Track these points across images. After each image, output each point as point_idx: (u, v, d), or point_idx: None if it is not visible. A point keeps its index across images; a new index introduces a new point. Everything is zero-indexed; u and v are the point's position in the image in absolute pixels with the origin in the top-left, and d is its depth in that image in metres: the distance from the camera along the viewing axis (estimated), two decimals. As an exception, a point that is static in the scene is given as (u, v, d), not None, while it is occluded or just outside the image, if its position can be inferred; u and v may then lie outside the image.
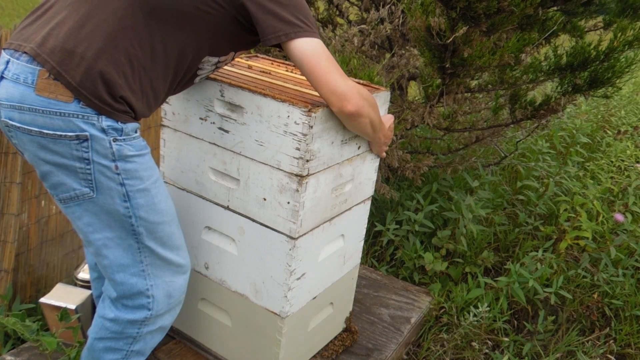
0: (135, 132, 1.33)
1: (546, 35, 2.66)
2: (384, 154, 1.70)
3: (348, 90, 1.34)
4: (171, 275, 1.46)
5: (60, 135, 1.24)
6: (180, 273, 1.49)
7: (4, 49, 1.29)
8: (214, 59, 1.42)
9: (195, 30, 1.32)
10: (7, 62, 1.25)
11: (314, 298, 1.72)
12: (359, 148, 1.64)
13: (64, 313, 1.59)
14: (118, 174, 1.30)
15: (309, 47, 1.31)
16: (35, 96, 1.22)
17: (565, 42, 2.82)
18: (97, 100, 1.24)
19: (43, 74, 1.21)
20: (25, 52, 1.23)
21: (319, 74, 1.32)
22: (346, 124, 1.46)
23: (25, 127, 1.25)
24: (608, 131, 4.15)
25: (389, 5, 2.56)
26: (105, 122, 1.26)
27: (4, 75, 1.25)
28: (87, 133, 1.25)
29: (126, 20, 1.25)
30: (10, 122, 1.26)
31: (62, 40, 1.22)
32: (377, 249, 2.75)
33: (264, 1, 1.29)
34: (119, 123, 1.28)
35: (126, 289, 1.42)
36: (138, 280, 1.41)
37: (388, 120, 1.64)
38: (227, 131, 1.53)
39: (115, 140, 1.27)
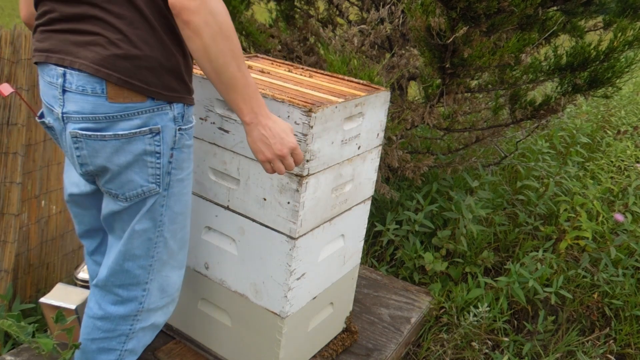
0: (192, 116, 1.36)
1: (546, 35, 2.66)
2: (268, 169, 1.32)
3: None
4: (169, 270, 1.46)
5: (135, 133, 1.24)
6: (177, 269, 1.49)
7: (44, 62, 1.26)
8: None
9: None
10: (64, 75, 1.22)
11: (314, 298, 1.72)
12: (359, 148, 1.64)
13: (59, 315, 1.58)
14: (170, 162, 1.32)
15: None
16: (110, 104, 1.21)
17: (565, 42, 2.82)
18: (166, 92, 1.26)
19: (110, 82, 1.20)
20: (79, 69, 1.20)
21: None
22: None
23: (99, 133, 1.23)
24: (608, 131, 4.15)
25: (389, 5, 2.56)
26: (176, 109, 1.28)
27: (67, 88, 1.22)
28: (159, 126, 1.26)
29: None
30: (83, 132, 1.23)
31: (112, 49, 1.20)
32: (377, 249, 2.75)
33: None
34: (186, 106, 1.31)
35: (128, 278, 1.41)
36: (142, 272, 1.41)
37: (282, 135, 1.28)
38: (227, 131, 1.53)
39: (180, 129, 1.30)
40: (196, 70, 1.57)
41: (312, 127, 1.39)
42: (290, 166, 1.31)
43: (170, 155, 1.31)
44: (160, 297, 1.47)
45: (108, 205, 1.38)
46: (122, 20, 1.19)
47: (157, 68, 1.23)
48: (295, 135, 1.41)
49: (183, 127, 1.31)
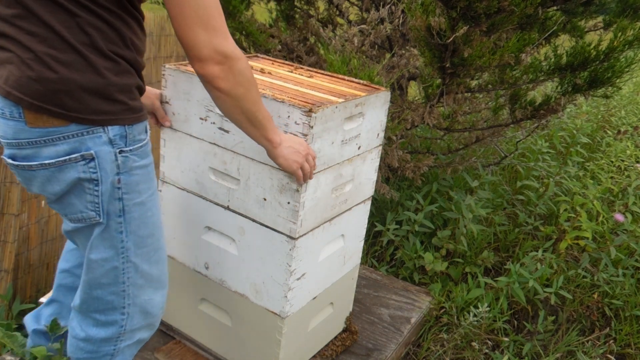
0: (145, 132, 1.26)
1: (546, 35, 2.65)
2: (300, 176, 1.39)
3: (210, 52, 1.13)
4: (151, 293, 1.39)
5: (65, 161, 1.16)
6: (159, 288, 1.42)
7: None
8: None
9: None
10: None
11: (314, 298, 1.72)
12: (359, 148, 1.64)
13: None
14: (119, 188, 1.23)
15: None
16: (30, 129, 1.12)
17: (565, 42, 2.82)
18: (92, 115, 1.15)
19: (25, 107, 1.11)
20: None
21: (183, 26, 1.12)
22: (212, 99, 1.24)
23: (26, 164, 1.16)
24: (608, 131, 4.15)
25: (389, 5, 2.56)
26: (112, 132, 1.18)
27: None
28: (91, 151, 1.16)
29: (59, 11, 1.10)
30: (11, 161, 1.17)
31: (23, 69, 1.10)
32: (377, 249, 2.75)
33: None
34: (126, 127, 1.19)
35: (101, 304, 1.35)
36: (116, 297, 1.34)
37: (298, 140, 1.38)
38: (227, 131, 1.53)
39: (121, 151, 1.20)
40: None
41: (312, 127, 1.39)
42: (311, 163, 1.39)
43: (117, 180, 1.21)
44: (143, 318, 1.41)
45: (64, 222, 1.31)
46: (34, 37, 1.09)
47: (77, 91, 1.12)
48: (295, 135, 1.41)
49: (126, 149, 1.20)
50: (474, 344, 2.06)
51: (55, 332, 1.53)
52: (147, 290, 1.38)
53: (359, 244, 1.89)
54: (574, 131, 3.69)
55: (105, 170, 1.19)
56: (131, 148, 1.22)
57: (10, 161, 1.18)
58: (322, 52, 2.76)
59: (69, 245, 1.59)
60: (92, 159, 1.17)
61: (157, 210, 1.34)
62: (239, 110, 1.23)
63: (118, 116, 1.18)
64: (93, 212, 1.23)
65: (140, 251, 1.32)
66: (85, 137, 1.15)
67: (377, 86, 1.72)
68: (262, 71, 1.71)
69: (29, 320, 1.62)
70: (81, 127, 1.14)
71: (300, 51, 2.75)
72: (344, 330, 2.00)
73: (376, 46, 2.74)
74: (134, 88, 1.22)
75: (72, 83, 1.11)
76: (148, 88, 1.63)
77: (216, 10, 1.12)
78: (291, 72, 1.77)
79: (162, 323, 1.90)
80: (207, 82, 1.17)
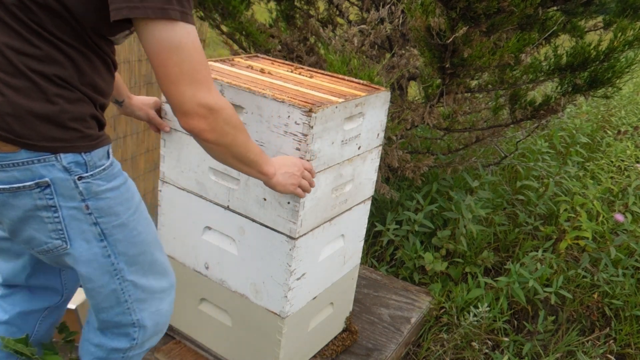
0: (107, 157, 1.21)
1: (546, 35, 2.65)
2: (300, 193, 1.42)
3: (194, 107, 1.11)
4: (157, 304, 1.38)
5: (19, 188, 1.11)
6: (165, 296, 1.40)
7: None
8: None
9: None
10: None
11: (314, 298, 1.72)
12: (359, 148, 1.64)
13: (62, 326, 1.58)
14: (90, 213, 1.18)
15: (167, 37, 1.06)
16: None
17: (565, 42, 2.81)
18: (43, 142, 1.10)
19: None
20: None
21: (167, 81, 1.10)
22: (203, 148, 1.24)
23: None
24: (608, 131, 4.15)
25: (389, 5, 2.56)
26: (66, 160, 1.13)
27: None
28: (46, 179, 1.12)
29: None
30: None
31: None
32: (377, 249, 2.75)
33: None
34: (83, 155, 1.14)
35: (111, 324, 1.35)
36: (123, 317, 1.33)
37: (291, 162, 1.39)
38: (227, 131, 1.53)
39: (80, 178, 1.15)
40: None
41: (312, 127, 1.39)
42: (308, 177, 1.41)
43: (85, 207, 1.17)
44: (155, 329, 1.40)
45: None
46: None
47: (27, 116, 1.08)
48: (295, 135, 1.41)
49: (86, 175, 1.15)
50: (474, 344, 2.06)
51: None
52: (152, 302, 1.37)
53: (359, 244, 1.89)
54: (574, 131, 3.70)
55: (63, 196, 1.15)
56: (92, 173, 1.17)
57: None
58: (322, 52, 2.76)
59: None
60: (48, 186, 1.13)
61: (144, 226, 1.30)
62: (230, 156, 1.23)
63: (71, 143, 1.14)
64: (58, 240, 1.19)
65: (134, 268, 1.30)
66: (37, 165, 1.11)
67: (377, 86, 1.72)
68: (262, 71, 1.71)
69: None
70: (32, 154, 1.10)
71: (300, 51, 2.75)
72: (344, 330, 2.00)
73: (376, 46, 2.74)
74: (88, 117, 1.17)
75: (21, 108, 1.08)
76: (141, 98, 1.63)
77: (200, 63, 1.10)
78: (291, 72, 1.77)
79: (162, 323, 1.90)
80: (195, 135, 1.16)
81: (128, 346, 1.38)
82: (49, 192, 1.13)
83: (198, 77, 1.09)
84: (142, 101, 1.61)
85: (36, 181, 1.12)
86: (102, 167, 1.19)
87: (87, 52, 1.15)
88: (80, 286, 1.42)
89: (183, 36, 1.06)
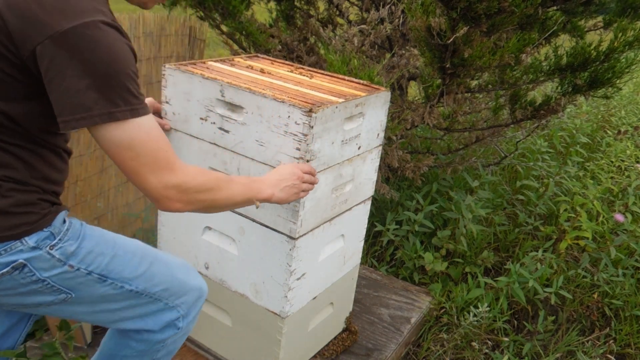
0: (64, 221, 1.21)
1: (546, 35, 2.65)
2: (304, 196, 1.45)
3: (162, 192, 1.13)
4: (195, 300, 1.39)
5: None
6: (199, 296, 1.41)
7: None
8: None
9: None
10: None
11: (314, 298, 1.72)
12: (359, 148, 1.64)
13: (63, 323, 1.57)
14: (77, 269, 1.19)
15: (115, 140, 1.07)
16: None
17: (565, 42, 2.81)
18: (6, 232, 1.12)
19: None
20: None
21: (131, 174, 1.12)
22: None
23: None
24: (608, 131, 4.15)
25: (389, 5, 2.56)
26: (31, 240, 1.14)
27: None
28: (19, 260, 1.13)
29: None
30: None
31: None
32: (377, 249, 2.75)
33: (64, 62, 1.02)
34: (45, 229, 1.16)
35: (160, 324, 1.35)
36: (165, 313, 1.34)
37: (287, 172, 1.38)
38: (227, 131, 1.53)
39: (52, 247, 1.16)
40: (196, 70, 1.57)
41: (312, 127, 1.39)
42: (310, 179, 1.42)
43: (69, 267, 1.18)
44: (195, 312, 1.41)
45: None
46: None
47: None
48: (295, 135, 1.41)
49: (55, 242, 1.16)
50: (474, 344, 2.06)
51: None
52: (189, 296, 1.37)
53: (359, 244, 1.89)
54: (574, 131, 3.69)
55: (44, 269, 1.16)
56: (60, 238, 1.18)
57: None
58: (322, 52, 2.76)
59: None
60: (25, 266, 1.14)
61: (131, 250, 1.29)
62: (221, 207, 1.26)
63: (31, 226, 1.14)
64: (63, 294, 1.21)
65: (151, 283, 1.31)
66: (6, 255, 1.12)
67: (377, 86, 1.72)
68: (262, 71, 1.71)
69: None
70: None
71: (300, 51, 2.75)
72: (344, 330, 2.00)
73: (376, 46, 2.74)
74: (42, 201, 1.18)
75: None
76: None
77: (156, 150, 1.11)
78: (291, 72, 1.77)
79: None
80: (176, 212, 1.19)
81: (173, 334, 1.37)
82: (28, 271, 1.14)
83: (158, 163, 1.11)
84: None
85: (11, 266, 1.12)
86: (66, 229, 1.20)
87: (37, 149, 1.16)
88: None
89: (134, 132, 1.07)
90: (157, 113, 1.65)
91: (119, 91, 1.04)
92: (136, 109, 1.07)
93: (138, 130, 1.07)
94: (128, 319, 1.32)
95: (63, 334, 1.55)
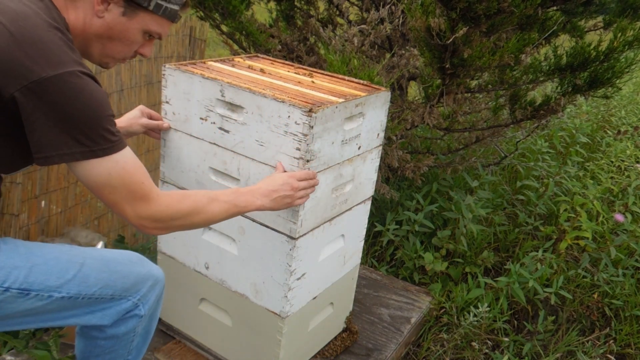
0: None
1: (546, 35, 2.66)
2: (301, 202, 1.45)
3: (138, 221, 1.20)
4: (149, 287, 1.39)
5: None
6: (154, 283, 1.42)
7: None
8: None
9: None
10: None
11: (314, 298, 1.72)
12: (359, 148, 1.64)
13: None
14: (24, 293, 1.21)
15: (94, 175, 1.14)
16: None
17: (565, 42, 2.82)
18: None
19: None
20: None
21: (110, 204, 1.19)
22: None
23: None
24: (608, 131, 4.15)
25: (389, 6, 2.56)
26: None
27: None
28: None
29: None
30: None
31: None
32: (377, 249, 2.75)
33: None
34: None
35: (115, 317, 1.36)
36: (114, 307, 1.35)
37: (279, 182, 1.40)
38: (227, 131, 1.54)
39: None
40: (196, 70, 1.57)
41: (312, 127, 1.39)
42: (307, 186, 1.42)
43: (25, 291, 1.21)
44: (155, 296, 1.42)
45: None
46: None
47: None
48: (295, 135, 1.41)
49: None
50: (474, 344, 2.06)
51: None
52: (144, 285, 1.38)
53: (359, 244, 1.89)
54: (574, 131, 3.69)
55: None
56: None
57: None
58: (322, 52, 2.76)
59: None
60: None
61: (54, 258, 1.28)
62: (203, 226, 1.32)
63: None
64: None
65: (78, 286, 1.29)
66: None
67: (377, 86, 1.72)
68: (262, 71, 1.71)
69: None
70: None
71: (300, 51, 2.75)
72: (344, 330, 2.00)
73: (376, 46, 2.75)
74: None
75: None
76: (125, 117, 1.61)
77: (132, 183, 1.17)
78: (291, 72, 1.77)
79: (162, 323, 1.90)
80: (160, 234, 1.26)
81: (137, 323, 1.40)
82: None
83: (134, 195, 1.17)
84: (129, 118, 1.60)
85: None
86: None
87: None
88: None
89: (111, 168, 1.14)
90: (150, 118, 1.64)
91: (100, 131, 1.11)
92: (114, 144, 1.14)
93: (115, 165, 1.14)
94: (77, 317, 1.32)
95: (56, 332, 1.55)
